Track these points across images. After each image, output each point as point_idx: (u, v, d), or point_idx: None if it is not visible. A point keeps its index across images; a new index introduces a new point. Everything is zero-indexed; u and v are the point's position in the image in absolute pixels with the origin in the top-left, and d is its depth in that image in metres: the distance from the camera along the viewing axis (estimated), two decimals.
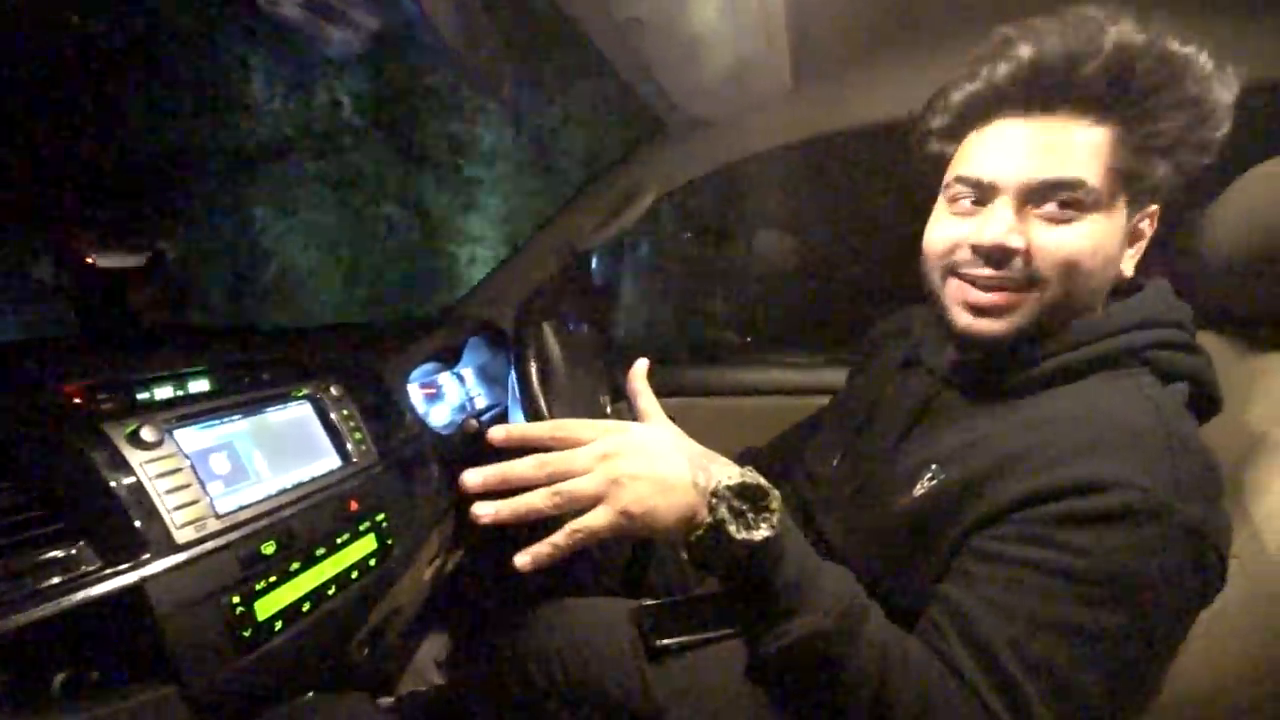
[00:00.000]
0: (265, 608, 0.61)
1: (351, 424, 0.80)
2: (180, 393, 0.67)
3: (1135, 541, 0.46)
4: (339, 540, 0.71)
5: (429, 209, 3.28)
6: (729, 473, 0.51)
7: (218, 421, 0.66)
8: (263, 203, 3.11)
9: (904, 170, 0.69)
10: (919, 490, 0.58)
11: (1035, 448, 0.51)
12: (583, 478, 0.49)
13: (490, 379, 1.31)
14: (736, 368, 1.43)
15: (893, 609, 0.55)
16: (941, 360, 0.66)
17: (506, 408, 1.19)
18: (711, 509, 0.49)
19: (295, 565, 0.65)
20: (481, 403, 1.28)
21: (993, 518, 0.51)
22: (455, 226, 3.29)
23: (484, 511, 0.49)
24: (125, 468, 0.55)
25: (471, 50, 0.74)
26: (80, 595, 0.49)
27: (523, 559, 0.49)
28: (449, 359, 1.20)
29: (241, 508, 0.62)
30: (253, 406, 0.70)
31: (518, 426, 0.54)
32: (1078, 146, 0.53)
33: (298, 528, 0.66)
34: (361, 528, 0.74)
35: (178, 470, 0.58)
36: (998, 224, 0.54)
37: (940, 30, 0.92)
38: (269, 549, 0.62)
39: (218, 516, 0.59)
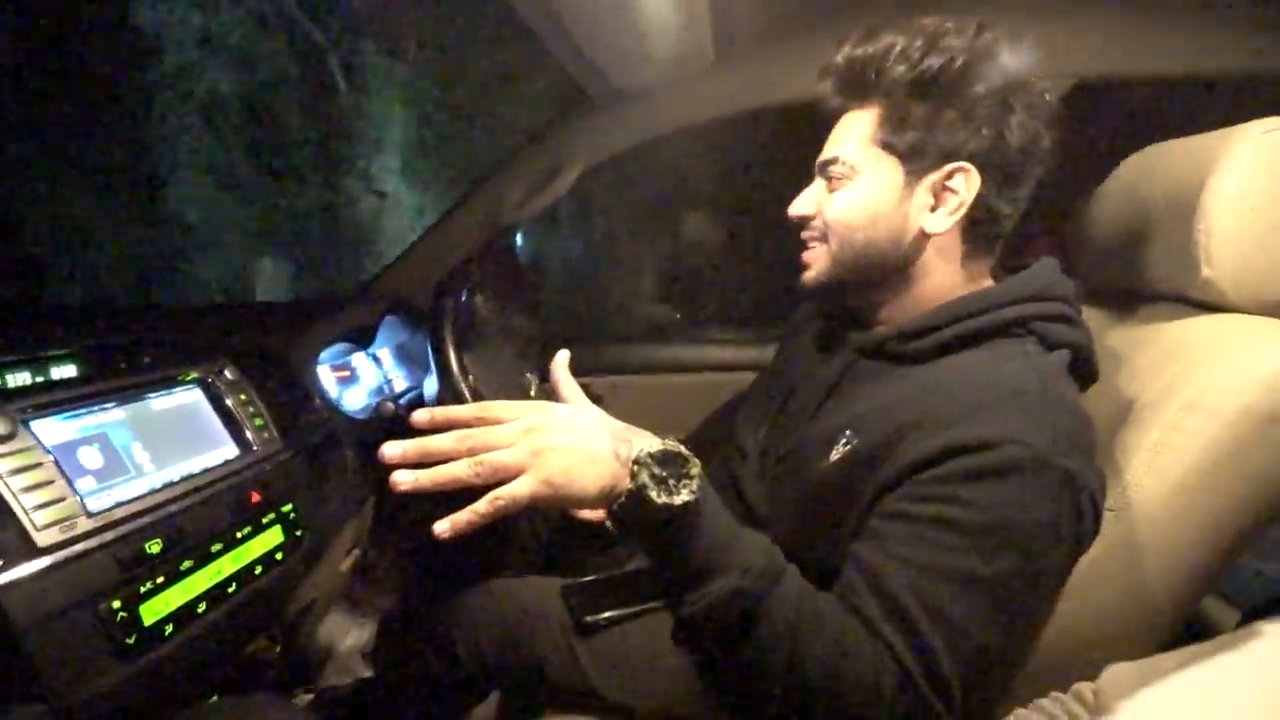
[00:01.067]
0: (152, 611, 0.55)
1: (250, 410, 0.74)
2: (40, 379, 0.59)
3: (1019, 493, 0.50)
4: (239, 535, 0.66)
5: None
6: (651, 442, 0.52)
7: (86, 410, 0.59)
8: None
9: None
10: (835, 455, 0.61)
11: (933, 412, 0.55)
12: (505, 450, 0.49)
13: (408, 359, 1.25)
14: (669, 345, 1.44)
15: (815, 571, 0.57)
16: (854, 332, 0.69)
17: (423, 390, 1.14)
18: (633, 475, 0.50)
19: (187, 564, 0.59)
20: (400, 385, 1.22)
21: (897, 479, 0.54)
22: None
23: (403, 479, 0.48)
24: None
25: (376, 5, 0.68)
26: None
27: (442, 526, 0.48)
28: (363, 339, 1.14)
29: (118, 504, 0.56)
30: (130, 393, 0.64)
31: (440, 410, 0.53)
32: (846, 128, 0.66)
33: (188, 523, 0.60)
34: (265, 520, 0.69)
35: (36, 465, 0.51)
36: (800, 197, 0.69)
37: (860, 9, 0.94)
38: (154, 548, 0.56)
39: (89, 515, 0.53)
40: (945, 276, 0.65)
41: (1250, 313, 0.62)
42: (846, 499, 0.58)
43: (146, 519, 0.57)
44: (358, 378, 1.13)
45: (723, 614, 0.51)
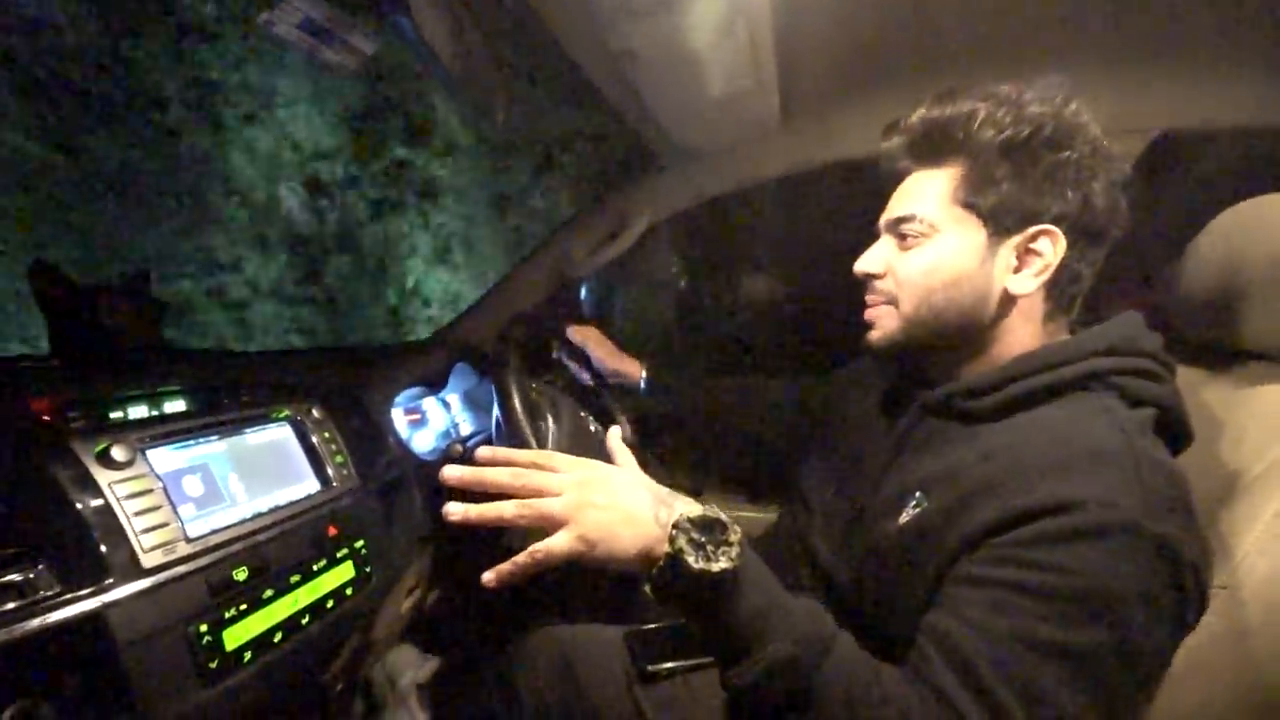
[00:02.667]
0: (234, 637, 0.58)
1: (333, 447, 0.78)
2: (155, 412, 0.65)
3: (1107, 557, 0.47)
4: (315, 567, 0.68)
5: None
6: (691, 508, 0.52)
7: (193, 442, 0.64)
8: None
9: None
10: (904, 518, 0.59)
11: (1007, 472, 0.53)
12: (554, 499, 0.51)
13: (476, 405, 1.30)
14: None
15: (883, 635, 0.55)
16: (922, 389, 0.68)
17: (491, 435, 1.17)
18: (671, 540, 0.49)
19: (268, 593, 0.62)
20: (466, 429, 1.26)
21: (972, 543, 0.52)
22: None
23: (454, 510, 0.51)
24: (93, 488, 0.53)
25: (467, 76, 0.75)
26: (36, 622, 0.47)
27: (488, 576, 0.50)
28: (435, 384, 1.19)
29: (214, 531, 0.60)
30: (230, 427, 0.69)
31: (504, 450, 0.56)
32: (919, 187, 0.65)
33: (272, 553, 0.63)
34: (339, 554, 0.72)
35: (149, 491, 0.56)
36: (866, 254, 0.68)
37: (921, 70, 0.96)
38: (241, 575, 0.59)
39: (188, 540, 0.57)
40: (1025, 336, 0.63)
41: None
42: (918, 563, 0.56)
43: (237, 546, 0.60)
44: (427, 421, 1.18)
45: (772, 685, 0.49)
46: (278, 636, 0.62)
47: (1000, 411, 0.59)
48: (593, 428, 1.03)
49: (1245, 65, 0.91)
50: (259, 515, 0.65)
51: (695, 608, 0.51)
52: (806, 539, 0.72)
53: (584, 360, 1.10)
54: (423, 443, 1.13)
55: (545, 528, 0.50)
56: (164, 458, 0.60)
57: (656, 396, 1.07)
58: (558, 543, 0.49)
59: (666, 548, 0.49)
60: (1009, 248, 0.61)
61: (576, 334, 1.10)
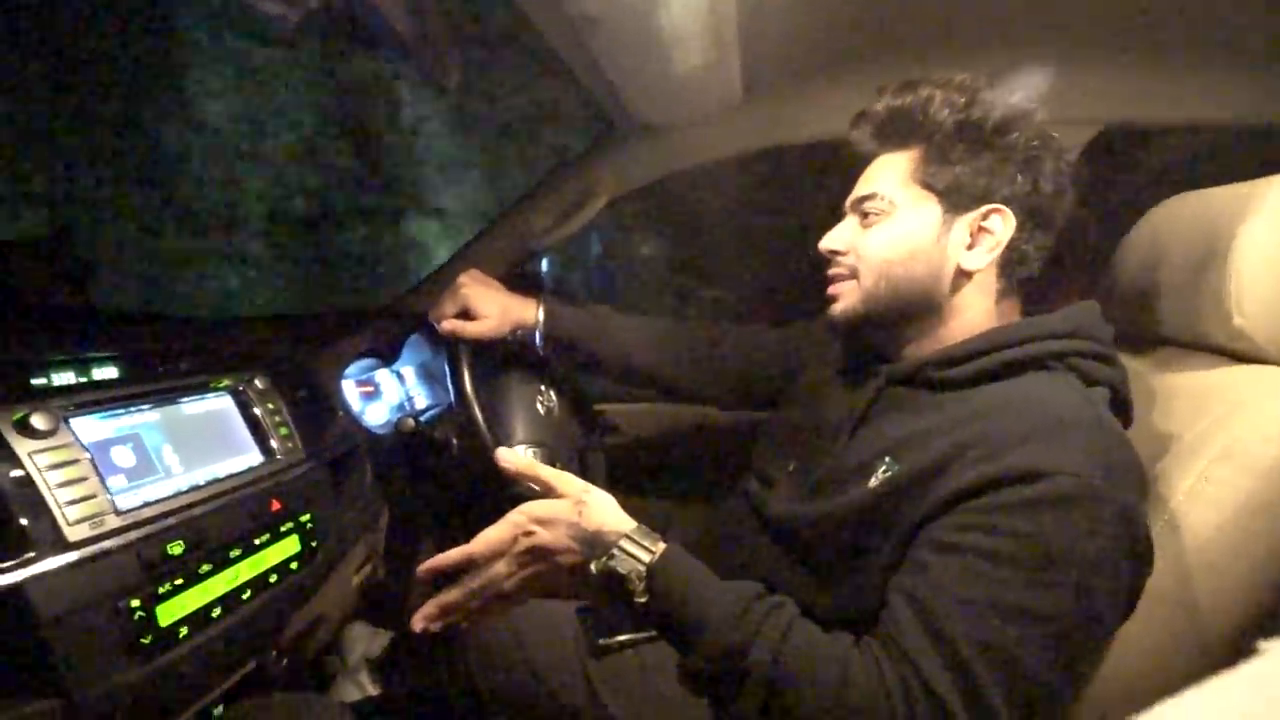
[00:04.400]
0: (169, 613, 0.56)
1: (277, 419, 0.76)
2: (83, 379, 0.62)
3: (1073, 525, 0.49)
4: (257, 541, 0.67)
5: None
6: (619, 523, 0.58)
7: (123, 411, 0.61)
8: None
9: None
10: (873, 481, 0.60)
11: (978, 438, 0.55)
12: (502, 579, 0.58)
13: (431, 378, 1.27)
14: None
15: (850, 599, 0.58)
16: (882, 362, 0.70)
17: (446, 407, 1.16)
18: (601, 560, 0.56)
19: (206, 567, 0.60)
20: (421, 402, 1.24)
21: (942, 507, 0.53)
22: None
23: (419, 623, 0.58)
24: (11, 458, 0.50)
25: (420, 40, 0.72)
26: None
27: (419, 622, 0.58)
28: (388, 356, 1.16)
29: (146, 504, 0.57)
30: (165, 396, 0.66)
31: (527, 463, 0.63)
32: (881, 169, 0.68)
33: (210, 527, 0.61)
34: (283, 529, 0.70)
35: (74, 462, 0.53)
36: (831, 232, 0.71)
37: (881, 54, 0.96)
38: (176, 549, 0.57)
39: (118, 513, 0.55)
40: (979, 313, 0.66)
41: None
42: (887, 525, 0.58)
43: (171, 520, 0.58)
44: (380, 393, 1.16)
45: (725, 667, 0.52)
46: (216, 611, 0.61)
47: (969, 382, 0.62)
48: (548, 402, 1.03)
49: (1186, 62, 0.95)
50: (196, 488, 0.63)
51: (634, 606, 0.55)
52: (768, 511, 0.73)
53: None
54: (376, 415, 1.11)
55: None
56: (90, 427, 0.57)
57: (557, 351, 0.97)
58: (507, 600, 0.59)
59: (601, 564, 0.56)
60: (963, 225, 0.64)
61: (464, 289, 0.94)
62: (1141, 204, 0.81)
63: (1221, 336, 0.64)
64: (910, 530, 0.55)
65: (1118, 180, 1.18)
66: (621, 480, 1.20)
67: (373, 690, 1.10)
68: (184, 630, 0.57)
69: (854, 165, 0.73)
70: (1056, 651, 0.48)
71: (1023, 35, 0.91)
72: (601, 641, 0.71)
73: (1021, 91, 0.65)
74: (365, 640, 1.17)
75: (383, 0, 0.62)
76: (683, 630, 0.53)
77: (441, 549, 0.59)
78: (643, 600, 0.54)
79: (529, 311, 0.95)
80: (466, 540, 0.58)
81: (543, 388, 1.04)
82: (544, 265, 1.40)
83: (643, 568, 0.55)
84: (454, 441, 0.96)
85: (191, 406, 0.68)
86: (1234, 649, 0.57)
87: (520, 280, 1.15)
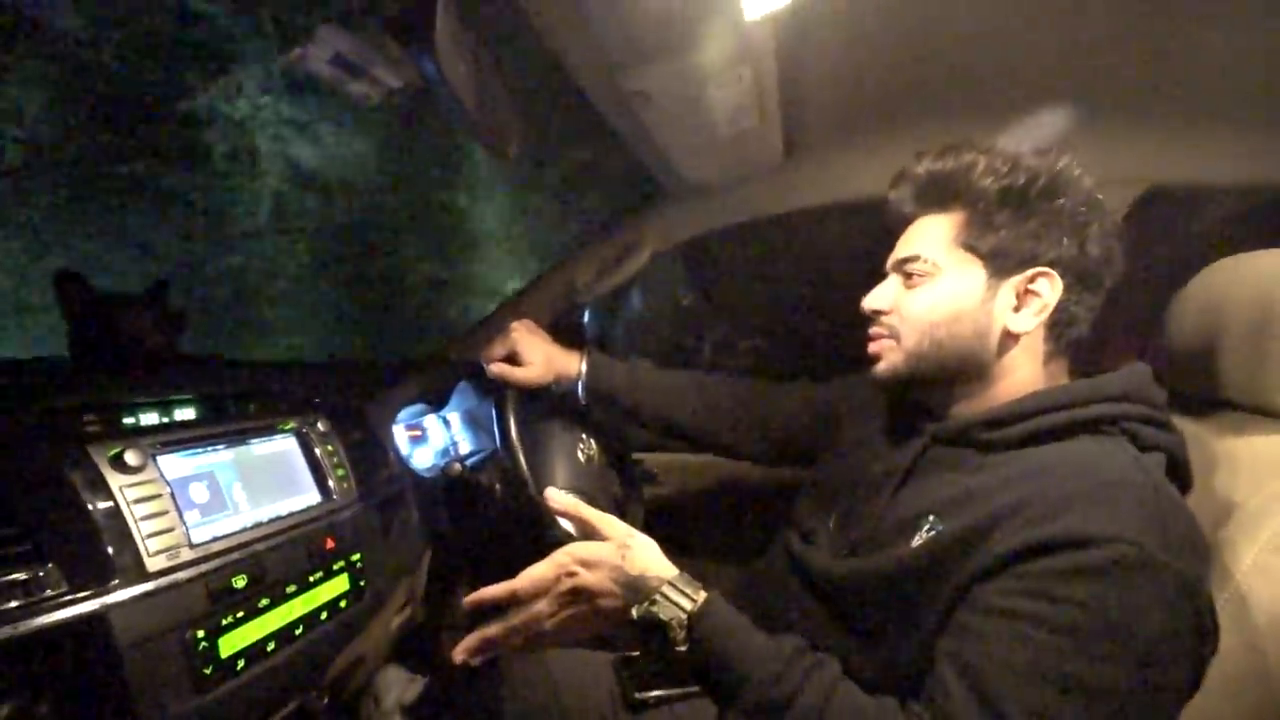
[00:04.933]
0: (229, 644, 0.59)
1: (335, 460, 0.80)
2: (166, 419, 0.67)
3: (1130, 594, 0.47)
4: (311, 579, 0.70)
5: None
6: (661, 569, 0.59)
7: (201, 450, 0.65)
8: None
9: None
10: (917, 541, 0.60)
11: (1029, 499, 0.53)
12: (544, 620, 0.59)
13: (476, 424, 1.31)
14: None
15: (891, 659, 0.57)
16: (926, 420, 0.69)
17: (490, 453, 1.19)
18: (643, 605, 0.57)
19: (264, 602, 0.63)
20: (465, 448, 1.27)
21: (991, 570, 0.52)
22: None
23: (461, 655, 0.60)
24: (105, 490, 0.54)
25: (483, 111, 0.78)
26: (39, 620, 0.48)
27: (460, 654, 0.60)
28: (436, 402, 1.21)
29: (216, 539, 0.61)
30: (237, 437, 0.70)
31: (574, 504, 0.66)
32: (924, 230, 0.69)
33: (270, 562, 0.65)
34: (335, 567, 0.73)
35: (157, 496, 0.58)
36: (874, 292, 0.71)
37: (919, 117, 0.99)
38: (240, 583, 0.61)
39: (191, 546, 0.58)
40: (1026, 375, 0.66)
41: None
42: (930, 586, 0.57)
43: (237, 554, 0.62)
44: (427, 438, 1.20)
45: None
46: (271, 646, 0.63)
47: (1016, 444, 0.61)
48: (589, 450, 1.04)
49: (1233, 122, 0.95)
50: (260, 524, 0.66)
51: (676, 656, 0.56)
52: (810, 566, 0.72)
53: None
54: (422, 459, 1.15)
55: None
56: (173, 464, 0.62)
57: (598, 407, 1.01)
58: (550, 639, 0.60)
59: (641, 610, 0.57)
60: (1009, 288, 0.64)
61: (505, 342, 0.99)
62: (1191, 264, 0.80)
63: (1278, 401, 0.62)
64: (956, 593, 0.54)
65: (1166, 240, 1.16)
66: (658, 530, 1.20)
67: None
68: (241, 662, 0.60)
69: (894, 226, 0.75)
70: None
71: (1065, 96, 0.93)
72: (638, 695, 0.71)
73: (1066, 154, 0.66)
74: (400, 684, 1.17)
75: (452, 75, 0.68)
76: (723, 682, 0.53)
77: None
78: (683, 649, 0.55)
79: (572, 363, 0.99)
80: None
81: (584, 436, 1.06)
82: (586, 317, 1.44)
83: (684, 615, 0.55)
84: (498, 486, 0.98)
85: (260, 447, 0.72)
86: None
87: (565, 332, 1.20)
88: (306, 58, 0.57)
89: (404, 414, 1.12)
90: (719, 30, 0.71)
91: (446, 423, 1.26)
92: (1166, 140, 0.98)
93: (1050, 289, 0.63)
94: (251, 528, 0.65)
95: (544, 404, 1.04)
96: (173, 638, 0.55)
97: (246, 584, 0.61)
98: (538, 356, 0.97)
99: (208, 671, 0.56)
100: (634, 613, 0.57)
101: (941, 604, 0.55)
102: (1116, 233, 0.65)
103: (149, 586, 0.54)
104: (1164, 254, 1.14)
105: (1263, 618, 0.54)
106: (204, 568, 0.58)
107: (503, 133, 0.78)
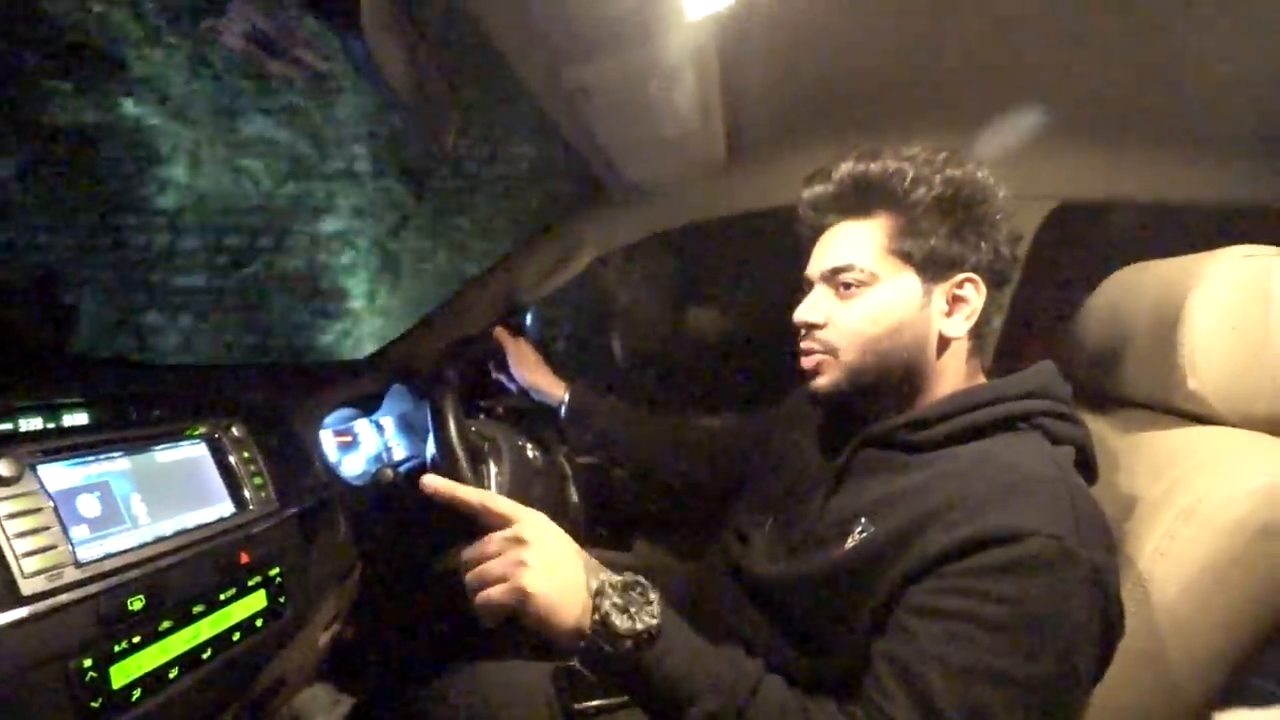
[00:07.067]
0: (123, 673, 0.53)
1: (252, 468, 0.74)
2: (51, 425, 0.60)
3: (1053, 588, 0.50)
4: (222, 596, 0.64)
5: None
6: (612, 575, 0.55)
7: (93, 458, 0.59)
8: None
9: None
10: (850, 543, 0.61)
11: (953, 499, 0.55)
12: (493, 560, 0.54)
13: (411, 429, 1.26)
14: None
15: (827, 660, 0.57)
16: (859, 424, 0.70)
17: (424, 460, 1.14)
18: (596, 607, 0.52)
19: (166, 624, 0.58)
20: (400, 453, 1.22)
21: (922, 570, 0.54)
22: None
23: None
24: None
25: (419, 100, 0.75)
26: None
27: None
28: (368, 406, 1.15)
29: (108, 555, 0.55)
30: (137, 444, 0.64)
31: (448, 484, 0.57)
32: (850, 237, 0.68)
33: (173, 580, 0.59)
34: (251, 583, 0.68)
35: (36, 511, 0.51)
36: (805, 304, 0.69)
37: (861, 122, 1.02)
38: (136, 604, 0.55)
39: (78, 565, 0.53)
40: (955, 376, 0.68)
41: (1235, 425, 0.65)
42: (866, 586, 0.58)
43: (133, 573, 0.56)
44: (359, 444, 1.14)
45: None
46: (174, 672, 0.58)
47: (942, 443, 0.63)
48: (531, 455, 1.02)
49: (1137, 143, 1.02)
50: (162, 539, 0.60)
51: (623, 671, 0.53)
52: (747, 571, 0.72)
53: (506, 370, 1.15)
54: (352, 466, 1.09)
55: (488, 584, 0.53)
56: (57, 474, 0.55)
57: (575, 428, 1.09)
58: (497, 593, 0.52)
59: (593, 614, 0.52)
60: (940, 293, 0.66)
61: (507, 343, 1.14)
62: (1094, 272, 0.86)
63: (1179, 399, 0.67)
64: (889, 593, 0.55)
65: (1075, 251, 1.25)
66: (602, 531, 1.18)
67: None
68: (137, 693, 0.54)
69: (805, 233, 0.74)
70: (1040, 715, 0.49)
71: (991, 112, 0.98)
72: (577, 706, 0.69)
73: (982, 166, 0.68)
74: (326, 707, 1.11)
75: (385, 63, 0.65)
76: (665, 694, 0.52)
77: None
78: (630, 650, 0.52)
79: (558, 387, 1.10)
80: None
81: (524, 442, 1.03)
82: (528, 319, 1.41)
83: (644, 624, 0.52)
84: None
85: (165, 454, 0.66)
86: (1206, 706, 0.58)
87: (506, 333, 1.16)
88: (219, 30, 0.53)
89: (332, 418, 1.06)
90: (661, 28, 0.70)
91: (379, 427, 1.20)
92: (1077, 160, 1.05)
93: (976, 293, 0.66)
94: (152, 542, 0.60)
95: (484, 408, 1.01)
96: (53, 668, 0.49)
97: (144, 605, 0.55)
98: (531, 358, 1.10)
99: (95, 704, 0.51)
100: (591, 584, 0.54)
101: (876, 604, 0.56)
102: (1019, 233, 0.69)
103: (23, 612, 0.48)
104: (1072, 263, 1.22)
105: (1161, 603, 0.58)
106: (92, 589, 0.52)
107: (438, 123, 0.75)
